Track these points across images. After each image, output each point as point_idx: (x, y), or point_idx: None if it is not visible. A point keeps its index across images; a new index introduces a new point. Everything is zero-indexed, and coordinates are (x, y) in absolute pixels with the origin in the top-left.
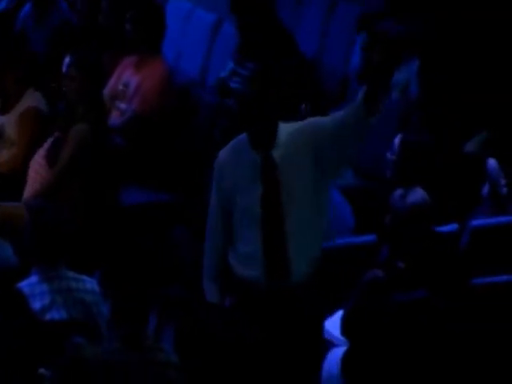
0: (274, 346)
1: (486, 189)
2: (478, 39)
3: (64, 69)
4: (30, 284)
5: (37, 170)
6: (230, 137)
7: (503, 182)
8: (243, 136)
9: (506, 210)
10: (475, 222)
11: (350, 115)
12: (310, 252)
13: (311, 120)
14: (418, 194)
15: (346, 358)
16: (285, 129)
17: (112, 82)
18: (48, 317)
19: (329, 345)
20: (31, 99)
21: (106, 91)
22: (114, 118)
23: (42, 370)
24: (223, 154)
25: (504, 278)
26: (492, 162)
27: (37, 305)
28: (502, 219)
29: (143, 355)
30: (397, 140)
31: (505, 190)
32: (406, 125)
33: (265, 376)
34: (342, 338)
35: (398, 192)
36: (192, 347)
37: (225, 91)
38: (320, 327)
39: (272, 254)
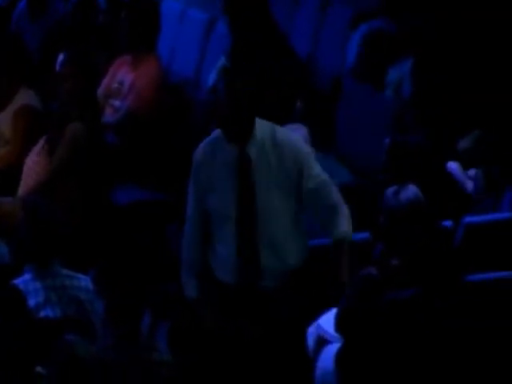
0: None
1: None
2: (474, 37)
3: (58, 67)
4: (24, 281)
5: (31, 168)
6: None
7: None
8: (218, 132)
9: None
10: (469, 219)
11: (318, 214)
12: (285, 254)
13: (303, 158)
14: (411, 191)
15: (340, 355)
16: (268, 133)
17: (106, 80)
18: (42, 314)
19: (323, 342)
20: (25, 97)
21: (101, 89)
22: (108, 115)
23: (38, 369)
24: (200, 150)
25: (499, 274)
26: (454, 167)
27: (31, 302)
28: (497, 216)
29: (138, 353)
30: (387, 140)
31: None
32: (400, 124)
33: (258, 373)
34: (336, 335)
35: (391, 189)
36: (189, 342)
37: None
38: (299, 329)
39: (245, 255)
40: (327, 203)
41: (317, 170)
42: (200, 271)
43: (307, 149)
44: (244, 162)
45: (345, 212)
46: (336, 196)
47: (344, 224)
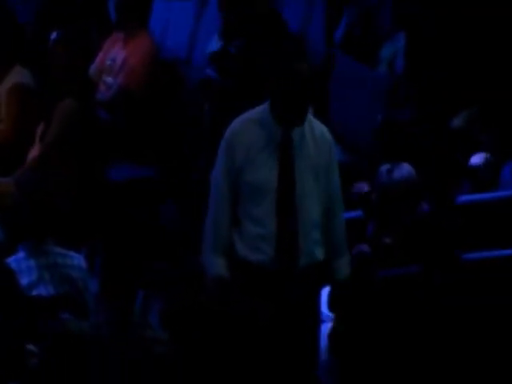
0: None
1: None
2: (467, 14)
3: (50, 45)
4: (17, 259)
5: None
6: (220, 110)
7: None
8: (263, 109)
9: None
10: (464, 198)
11: (330, 236)
12: (313, 242)
13: (334, 158)
14: (404, 170)
15: (332, 334)
16: (308, 122)
17: (100, 56)
18: (35, 292)
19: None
20: (18, 75)
21: (94, 66)
22: (101, 92)
23: (30, 346)
24: (238, 124)
25: (494, 253)
26: (477, 159)
27: (24, 280)
28: (491, 195)
29: (131, 330)
30: (379, 117)
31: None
32: (393, 100)
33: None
34: (328, 314)
35: (385, 167)
36: (183, 322)
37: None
38: (315, 318)
39: (285, 233)
40: (337, 237)
41: (337, 176)
42: (227, 250)
43: (331, 161)
44: (287, 144)
45: (348, 253)
46: (343, 225)
47: (348, 267)
